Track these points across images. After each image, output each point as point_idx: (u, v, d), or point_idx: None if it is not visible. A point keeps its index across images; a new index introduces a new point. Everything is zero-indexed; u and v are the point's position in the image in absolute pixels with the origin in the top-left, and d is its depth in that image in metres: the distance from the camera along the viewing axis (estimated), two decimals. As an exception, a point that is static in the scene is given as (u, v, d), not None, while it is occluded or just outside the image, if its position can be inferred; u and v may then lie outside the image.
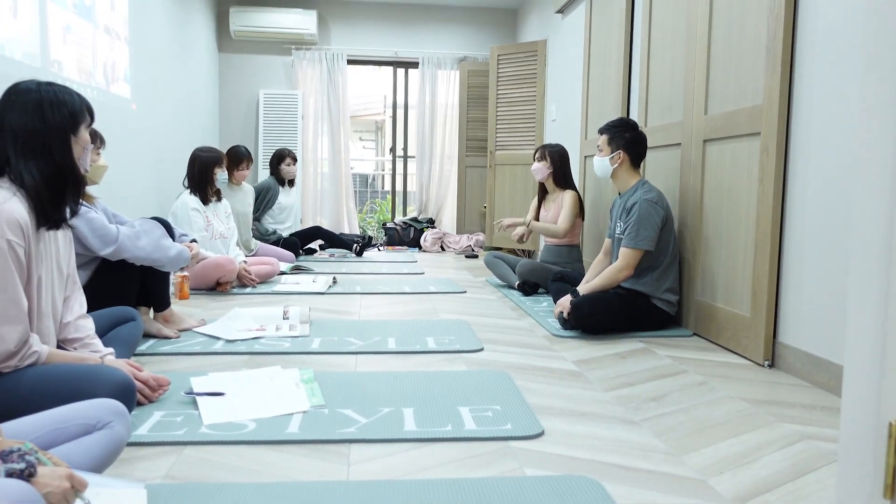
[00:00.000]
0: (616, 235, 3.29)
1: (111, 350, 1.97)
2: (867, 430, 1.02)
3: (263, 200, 5.54)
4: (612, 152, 3.26)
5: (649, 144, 3.59)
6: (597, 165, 3.34)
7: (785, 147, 2.52)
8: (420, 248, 6.94)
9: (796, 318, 2.47)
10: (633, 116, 3.96)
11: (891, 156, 1.00)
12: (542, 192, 4.49)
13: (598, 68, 4.54)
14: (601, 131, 3.34)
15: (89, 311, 2.09)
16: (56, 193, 1.70)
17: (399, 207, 7.86)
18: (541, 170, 4.33)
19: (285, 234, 5.69)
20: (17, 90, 1.70)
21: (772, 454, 1.72)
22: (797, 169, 2.47)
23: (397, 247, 6.99)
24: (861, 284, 1.05)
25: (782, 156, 2.53)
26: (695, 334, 3.10)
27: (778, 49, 2.52)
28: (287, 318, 3.03)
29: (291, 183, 5.79)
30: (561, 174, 4.33)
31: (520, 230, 4.31)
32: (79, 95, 1.80)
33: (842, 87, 2.24)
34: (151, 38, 4.92)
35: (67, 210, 1.75)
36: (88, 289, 2.46)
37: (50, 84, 1.74)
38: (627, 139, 3.24)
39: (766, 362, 2.57)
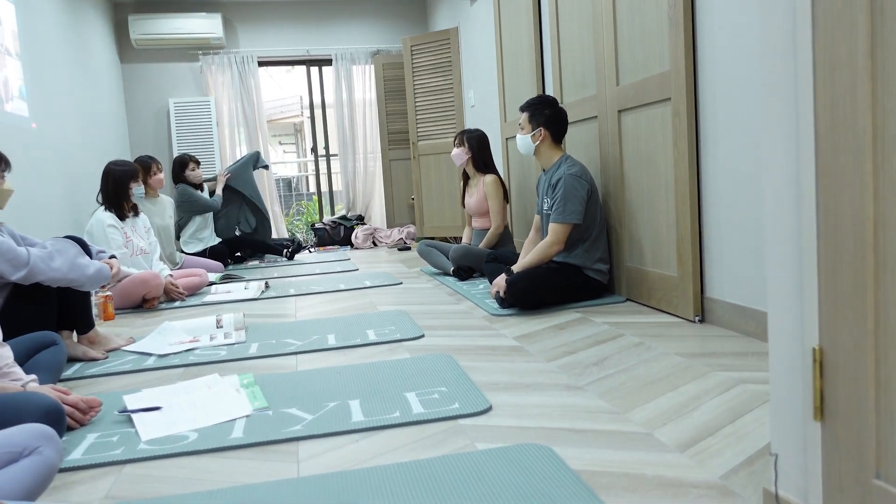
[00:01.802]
0: (544, 211, 3.34)
1: (34, 377, 1.87)
2: (794, 358, 1.06)
3: (193, 206, 5.34)
4: (533, 129, 3.31)
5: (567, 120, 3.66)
6: (519, 143, 3.38)
7: (695, 109, 2.62)
8: (352, 245, 6.88)
9: (721, 272, 2.57)
10: (549, 94, 4.02)
11: (791, 111, 1.05)
12: (465, 178, 4.52)
13: (510, 51, 4.59)
14: (522, 109, 3.38)
15: (7, 339, 1.98)
16: None
17: (326, 207, 7.76)
18: (460, 156, 4.36)
19: (210, 242, 5.51)
20: None
21: (709, 401, 1.78)
22: (708, 129, 2.56)
23: (328, 247, 6.90)
24: (776, 229, 1.09)
25: (693, 118, 2.62)
26: (628, 299, 3.19)
27: (679, 16, 2.60)
28: (221, 327, 2.94)
29: (202, 187, 5.60)
30: (480, 159, 4.37)
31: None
32: None
33: (742, 46, 2.34)
34: (46, 52, 4.67)
35: None
36: (3, 316, 2.33)
37: None
38: (547, 116, 3.29)
39: (697, 318, 2.67)
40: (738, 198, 2.43)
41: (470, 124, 5.84)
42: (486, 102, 5.38)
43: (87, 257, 2.61)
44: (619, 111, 3.11)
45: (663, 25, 2.71)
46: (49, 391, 1.79)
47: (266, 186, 7.09)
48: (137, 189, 3.96)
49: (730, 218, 2.49)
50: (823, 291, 1.01)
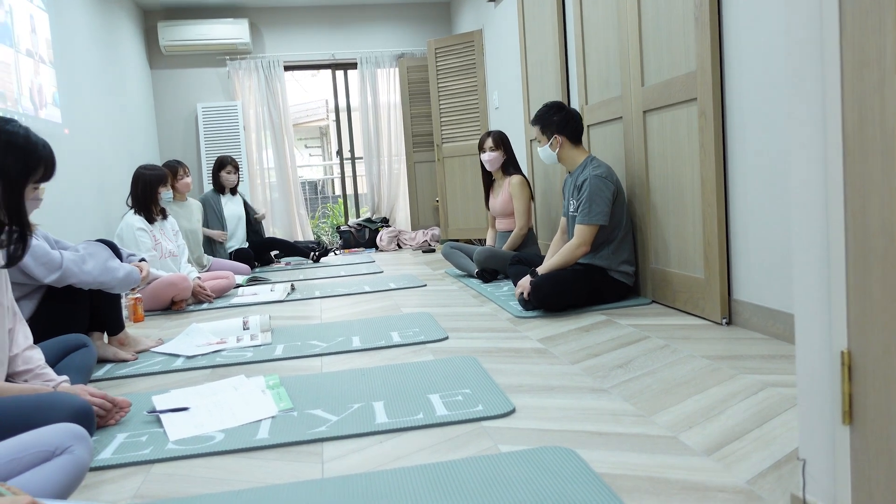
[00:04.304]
0: (570, 213, 3.33)
1: (65, 378, 1.91)
2: (822, 361, 1.05)
3: (203, 216, 5.40)
4: (549, 139, 3.32)
5: (592, 121, 3.65)
6: (542, 155, 3.40)
7: (721, 109, 2.59)
8: (377, 247, 6.91)
9: (748, 274, 2.53)
10: (573, 95, 4.01)
11: (819, 113, 1.03)
12: (489, 180, 4.52)
13: (534, 52, 4.58)
14: (532, 123, 3.41)
15: (40, 340, 2.02)
16: None
17: (352, 210, 7.81)
18: (497, 159, 4.36)
19: (236, 246, 5.57)
20: None
21: (737, 405, 1.76)
22: (735, 129, 2.53)
23: (353, 249, 6.94)
24: (803, 230, 1.08)
25: (720, 118, 2.58)
26: (653, 301, 3.16)
27: (705, 16, 2.57)
28: (247, 329, 2.98)
29: (234, 191, 5.66)
30: (510, 161, 4.39)
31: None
32: (43, 147, 1.73)
33: (769, 45, 2.30)
34: (78, 59, 4.78)
35: (13, 256, 1.64)
36: (37, 318, 2.38)
37: (22, 129, 1.68)
38: (557, 121, 3.30)
39: (724, 320, 2.63)
40: (765, 199, 2.40)
41: (494, 126, 5.84)
42: (511, 104, 5.37)
43: (118, 260, 2.66)
44: (645, 112, 3.08)
45: (689, 25, 2.68)
46: (80, 391, 1.82)
47: (292, 189, 7.17)
48: (166, 193, 4.03)
49: (757, 219, 2.45)
50: (852, 294, 0.99)
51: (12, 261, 1.65)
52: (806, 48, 1.04)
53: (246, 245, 5.68)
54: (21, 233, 1.64)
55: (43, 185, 1.79)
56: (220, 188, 5.55)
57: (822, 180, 1.03)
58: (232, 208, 5.60)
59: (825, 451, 1.06)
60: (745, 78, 2.44)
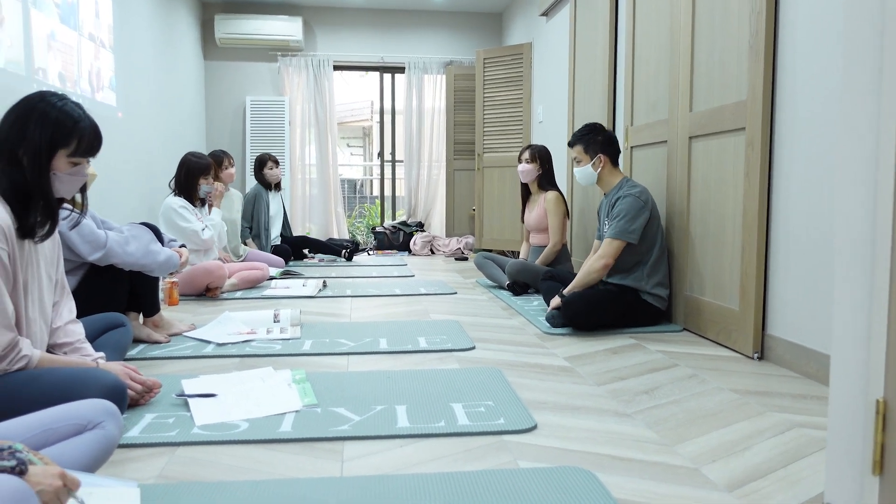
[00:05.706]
0: (603, 234, 3.31)
1: (102, 354, 1.96)
2: (856, 408, 1.03)
3: (252, 209, 5.50)
4: (592, 158, 3.31)
5: (636, 143, 3.64)
6: (580, 176, 3.38)
7: (770, 141, 2.55)
8: (410, 251, 6.94)
9: (784, 309, 2.49)
10: (619, 115, 4.00)
11: (871, 150, 1.02)
12: (526, 194, 4.51)
13: (583, 69, 4.57)
14: (572, 144, 3.40)
15: (79, 316, 2.07)
16: (23, 207, 1.64)
17: (388, 212, 7.87)
18: (531, 172, 4.35)
19: (272, 241, 5.67)
20: (27, 97, 1.70)
21: (763, 442, 1.73)
22: (782, 163, 2.50)
23: (387, 251, 6.99)
24: (846, 271, 1.06)
25: (767, 150, 2.55)
26: (685, 329, 3.12)
27: (760, 45, 2.54)
28: (278, 321, 3.02)
29: (278, 187, 5.76)
30: (546, 176, 4.37)
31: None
32: (81, 122, 1.77)
33: (824, 80, 2.27)
34: (136, 46, 4.91)
35: (38, 228, 1.68)
36: (77, 294, 2.44)
37: (61, 101, 1.73)
38: (601, 142, 3.30)
39: (756, 354, 2.59)
40: (808, 234, 2.36)
41: (537, 140, 5.83)
42: (555, 119, 5.37)
43: (160, 245, 2.73)
44: (691, 137, 3.06)
45: (743, 53, 2.66)
46: (118, 368, 1.88)
47: (331, 187, 7.25)
48: (205, 186, 4.07)
49: (798, 254, 2.41)
50: (892, 342, 0.97)
51: (44, 235, 1.70)
52: (862, 86, 1.03)
53: (279, 241, 5.77)
54: (47, 207, 1.69)
55: (87, 163, 1.83)
56: (266, 185, 5.64)
57: (871, 222, 1.01)
58: (275, 205, 5.72)
59: (852, 499, 1.04)
60: (797, 110, 2.40)
